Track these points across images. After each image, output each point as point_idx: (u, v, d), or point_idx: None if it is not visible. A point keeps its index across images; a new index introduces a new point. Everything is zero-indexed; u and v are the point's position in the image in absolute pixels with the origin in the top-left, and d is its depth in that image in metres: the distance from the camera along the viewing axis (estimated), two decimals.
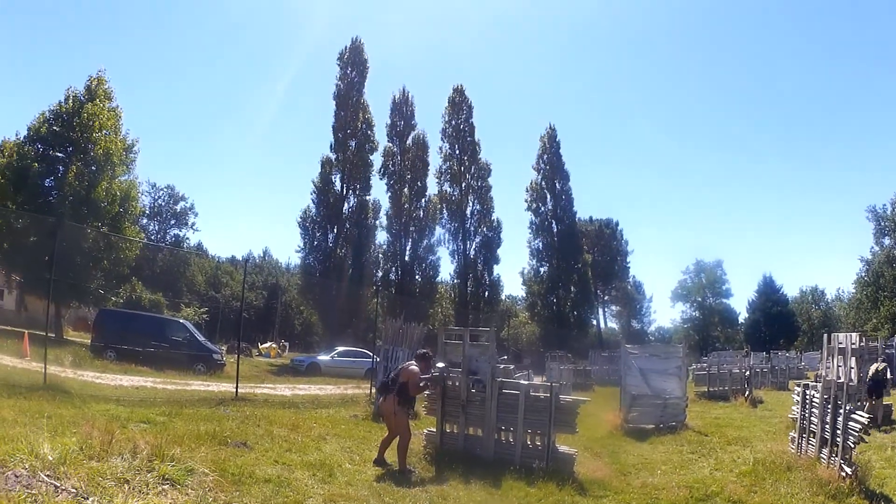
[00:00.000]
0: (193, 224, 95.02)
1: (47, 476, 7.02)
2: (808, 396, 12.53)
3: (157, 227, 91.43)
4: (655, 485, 11.28)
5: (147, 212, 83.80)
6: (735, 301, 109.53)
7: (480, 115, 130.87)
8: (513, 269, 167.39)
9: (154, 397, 18.43)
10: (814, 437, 11.91)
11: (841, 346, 11.40)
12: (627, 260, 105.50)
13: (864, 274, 79.00)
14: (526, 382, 13.38)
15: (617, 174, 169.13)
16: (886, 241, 77.27)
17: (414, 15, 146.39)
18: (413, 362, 12.37)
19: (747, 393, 28.13)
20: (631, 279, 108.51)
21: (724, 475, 12.06)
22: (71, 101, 39.63)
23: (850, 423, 10.50)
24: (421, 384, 11.91)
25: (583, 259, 77.03)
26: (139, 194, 46.40)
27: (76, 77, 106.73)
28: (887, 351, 34.67)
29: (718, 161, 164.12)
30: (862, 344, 11.50)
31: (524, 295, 79.98)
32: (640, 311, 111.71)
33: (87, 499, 6.76)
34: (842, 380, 11.08)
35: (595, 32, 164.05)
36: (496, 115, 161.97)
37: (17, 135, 40.24)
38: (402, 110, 64.24)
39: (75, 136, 38.80)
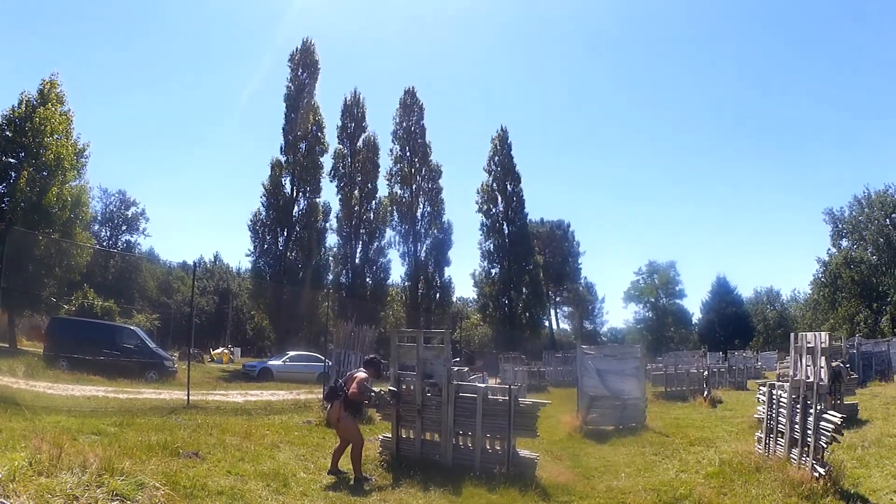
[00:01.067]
0: (145, 230, 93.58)
1: None
2: (774, 396, 12.43)
3: (108, 233, 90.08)
4: (621, 488, 11.17)
5: (98, 217, 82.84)
6: (689, 302, 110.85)
7: (432, 117, 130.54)
8: (464, 271, 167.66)
9: (106, 407, 18.11)
10: (782, 438, 11.81)
11: (809, 345, 11.28)
12: (579, 261, 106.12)
13: (821, 275, 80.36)
14: (483, 385, 13.24)
15: (568, 175, 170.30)
16: (844, 242, 78.87)
17: (366, 15, 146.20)
18: (361, 368, 12.23)
19: (706, 393, 28.29)
20: (583, 280, 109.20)
21: (690, 477, 11.98)
22: (24, 105, 39.07)
23: (822, 422, 10.40)
24: (363, 398, 11.73)
25: (534, 260, 77.14)
26: (90, 199, 46.38)
27: (30, 81, 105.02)
28: (851, 351, 35.08)
29: (672, 161, 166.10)
30: (832, 343, 11.41)
31: (476, 297, 79.98)
32: (593, 312, 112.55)
33: None
34: (811, 379, 10.99)
35: (547, 32, 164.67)
36: (448, 117, 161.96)
37: None
38: (354, 112, 63.95)
39: (27, 140, 38.25)
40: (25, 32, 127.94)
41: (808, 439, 10.70)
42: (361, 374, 11.79)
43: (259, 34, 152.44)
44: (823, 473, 10.10)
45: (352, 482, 10.93)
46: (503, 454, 11.74)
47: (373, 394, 11.87)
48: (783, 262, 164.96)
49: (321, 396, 21.84)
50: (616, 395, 19.78)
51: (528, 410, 11.94)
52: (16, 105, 39.18)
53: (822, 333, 11.18)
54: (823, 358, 10.85)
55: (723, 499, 10.13)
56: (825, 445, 10.38)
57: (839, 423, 10.17)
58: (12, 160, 38.88)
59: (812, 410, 10.71)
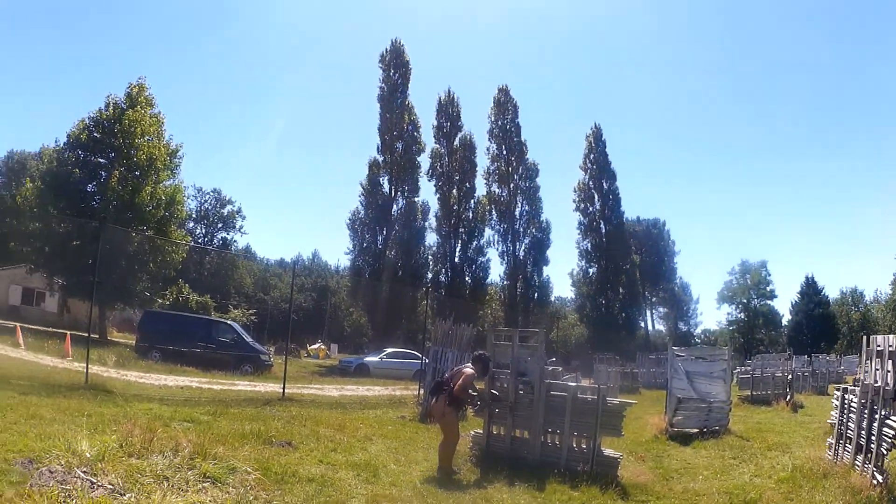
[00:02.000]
0: (241, 227, 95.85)
1: (83, 472, 7.20)
2: (846, 401, 12.31)
3: (204, 231, 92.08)
4: (696, 490, 11.26)
5: (193, 215, 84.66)
6: (779, 302, 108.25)
7: (526, 115, 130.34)
8: (562, 270, 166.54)
9: (199, 397, 18.49)
10: (850, 444, 11.66)
11: (879, 348, 11.06)
12: (675, 261, 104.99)
13: None
14: (574, 384, 13.37)
15: (663, 174, 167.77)
16: None
17: (458, 13, 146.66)
18: (469, 364, 12.27)
19: (788, 397, 27.82)
20: (678, 280, 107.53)
21: (763, 481, 11.96)
22: (111, 107, 40.60)
23: (885, 428, 10.19)
24: (467, 394, 11.72)
25: (631, 260, 76.76)
26: (185, 198, 47.37)
27: (116, 85, 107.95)
28: None
29: (763, 161, 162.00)
30: None
31: (573, 296, 79.86)
32: (687, 313, 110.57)
33: (124, 495, 6.91)
34: (878, 384, 10.80)
35: (640, 27, 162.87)
36: (542, 115, 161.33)
37: (56, 142, 41.51)
38: (448, 111, 64.26)
39: (117, 142, 39.77)
40: (117, 36, 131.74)
41: (872, 445, 10.51)
42: (468, 370, 11.84)
43: (355, 33, 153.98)
44: (881, 481, 9.91)
45: (441, 475, 11.01)
46: (588, 452, 11.87)
47: (475, 393, 12.01)
48: (868, 262, 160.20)
49: (417, 392, 22.37)
50: (703, 397, 19.62)
51: (616, 410, 12.12)
52: (103, 108, 40.72)
53: (892, 336, 10.89)
54: (891, 362, 10.53)
55: None
56: (885, 452, 10.17)
57: None
58: (102, 160, 40.53)
59: (877, 416, 10.49)
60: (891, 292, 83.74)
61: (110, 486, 6.95)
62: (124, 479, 7.23)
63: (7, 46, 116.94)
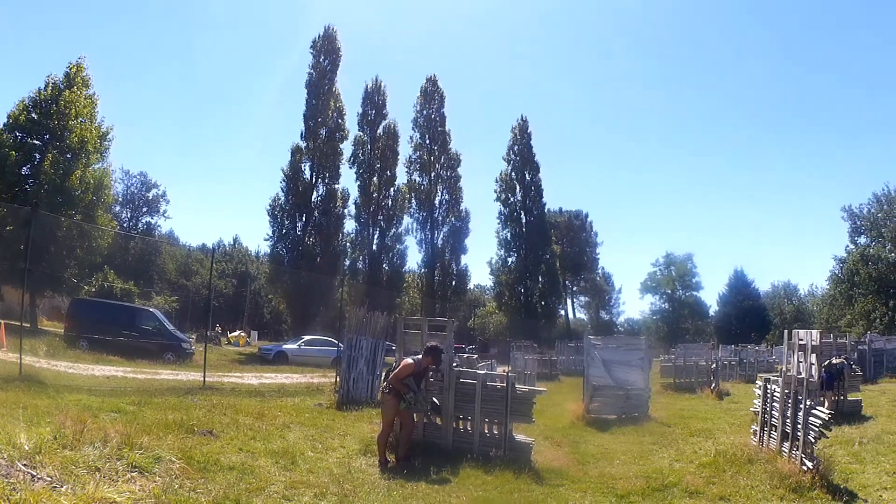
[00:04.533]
0: (165, 212, 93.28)
1: (24, 465, 7.21)
2: (769, 390, 12.71)
3: (129, 215, 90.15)
4: (613, 474, 11.44)
5: (120, 199, 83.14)
6: (706, 294, 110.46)
7: (453, 107, 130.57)
8: (481, 259, 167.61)
9: (124, 387, 18.49)
10: (775, 431, 12.05)
11: (802, 342, 11.47)
12: (597, 251, 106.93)
13: (838, 271, 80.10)
14: (483, 372, 13.53)
15: (588, 166, 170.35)
16: (862, 239, 78.46)
17: (390, 4, 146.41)
18: (415, 356, 12.31)
19: (714, 385, 28.29)
20: (600, 270, 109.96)
21: (683, 466, 12.17)
22: (50, 88, 39.54)
23: (811, 418, 10.58)
24: (402, 385, 11.67)
25: (551, 250, 77.52)
26: (112, 182, 46.81)
27: (57, 64, 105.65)
28: (859, 348, 35.14)
29: (691, 153, 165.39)
30: (823, 340, 11.53)
31: (492, 285, 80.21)
32: (610, 303, 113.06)
33: (62, 486, 6.95)
34: (802, 375, 11.19)
35: (568, 25, 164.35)
36: (469, 107, 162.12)
37: None
38: (374, 99, 64.05)
39: (52, 123, 38.71)
40: (53, 14, 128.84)
41: (798, 433, 10.87)
42: (409, 360, 11.92)
43: (285, 21, 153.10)
44: (812, 467, 10.22)
45: (360, 462, 11.29)
46: (500, 438, 12.13)
47: (411, 393, 11.81)
48: (800, 257, 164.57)
49: (334, 379, 22.30)
50: (620, 385, 20.01)
51: (525, 397, 12.39)
52: (42, 88, 39.62)
53: (814, 331, 11.35)
54: (814, 355, 11.00)
55: (710, 488, 10.26)
56: (813, 440, 10.51)
57: (827, 418, 10.34)
58: (37, 142, 39.34)
59: (802, 406, 10.88)
60: (828, 288, 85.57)
61: (49, 479, 7.04)
62: (61, 471, 7.32)
63: None
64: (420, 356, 12.17)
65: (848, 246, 79.67)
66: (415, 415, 12.40)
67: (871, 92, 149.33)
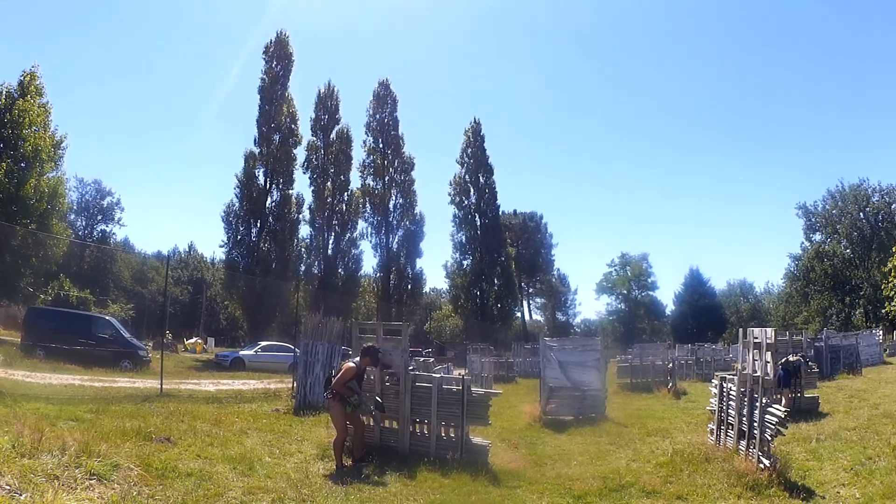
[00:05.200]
0: (120, 219, 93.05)
1: None
2: (725, 389, 12.92)
3: (84, 223, 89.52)
4: (570, 475, 11.53)
5: (74, 207, 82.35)
6: (662, 294, 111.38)
7: (406, 110, 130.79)
8: (436, 263, 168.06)
9: (82, 395, 18.40)
10: (732, 429, 12.25)
11: (756, 340, 11.62)
12: (552, 253, 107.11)
13: (793, 269, 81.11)
14: (438, 376, 13.57)
15: (542, 168, 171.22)
16: (817, 236, 79.63)
17: (341, 9, 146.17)
18: (355, 359, 12.35)
19: (670, 384, 28.47)
20: (556, 272, 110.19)
21: (640, 466, 12.32)
22: (3, 96, 39.05)
23: (767, 416, 10.75)
24: (346, 388, 11.66)
25: (506, 252, 77.61)
26: (66, 190, 46.23)
27: (10, 73, 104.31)
28: (816, 344, 35.57)
29: (645, 154, 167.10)
30: (779, 338, 11.65)
31: (448, 288, 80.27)
32: (566, 304, 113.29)
33: (21, 495, 6.96)
34: (758, 374, 11.32)
35: (519, 24, 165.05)
36: (422, 110, 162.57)
37: None
38: (327, 104, 63.94)
39: (6, 132, 38.29)
40: (4, 23, 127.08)
41: (755, 431, 11.04)
42: (350, 364, 11.94)
43: (238, 26, 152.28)
44: (769, 465, 10.39)
45: (317, 467, 11.30)
46: (457, 441, 12.23)
47: (356, 395, 11.84)
48: (756, 255, 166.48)
49: (291, 385, 22.31)
50: (576, 386, 20.13)
51: (481, 400, 12.46)
52: None
53: (769, 329, 11.49)
54: (770, 353, 11.12)
55: (668, 487, 10.41)
56: (770, 438, 10.67)
57: (783, 416, 10.52)
58: None
59: (758, 404, 11.03)
60: (783, 285, 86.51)
61: (7, 487, 7.02)
62: (19, 480, 7.31)
63: None
64: (359, 359, 12.25)
65: (803, 243, 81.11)
66: (369, 419, 12.50)
67: (824, 89, 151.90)
